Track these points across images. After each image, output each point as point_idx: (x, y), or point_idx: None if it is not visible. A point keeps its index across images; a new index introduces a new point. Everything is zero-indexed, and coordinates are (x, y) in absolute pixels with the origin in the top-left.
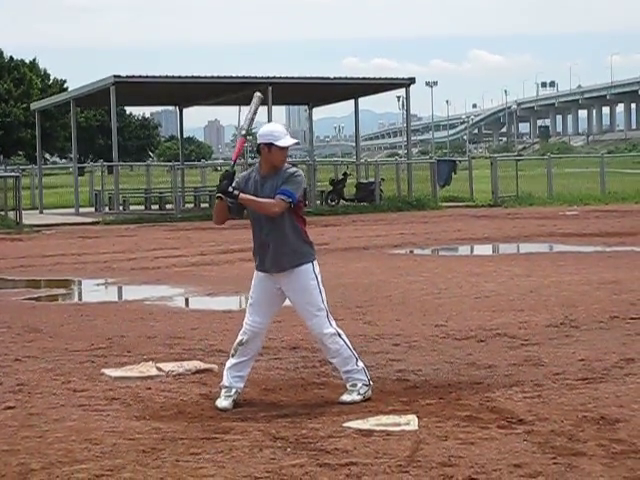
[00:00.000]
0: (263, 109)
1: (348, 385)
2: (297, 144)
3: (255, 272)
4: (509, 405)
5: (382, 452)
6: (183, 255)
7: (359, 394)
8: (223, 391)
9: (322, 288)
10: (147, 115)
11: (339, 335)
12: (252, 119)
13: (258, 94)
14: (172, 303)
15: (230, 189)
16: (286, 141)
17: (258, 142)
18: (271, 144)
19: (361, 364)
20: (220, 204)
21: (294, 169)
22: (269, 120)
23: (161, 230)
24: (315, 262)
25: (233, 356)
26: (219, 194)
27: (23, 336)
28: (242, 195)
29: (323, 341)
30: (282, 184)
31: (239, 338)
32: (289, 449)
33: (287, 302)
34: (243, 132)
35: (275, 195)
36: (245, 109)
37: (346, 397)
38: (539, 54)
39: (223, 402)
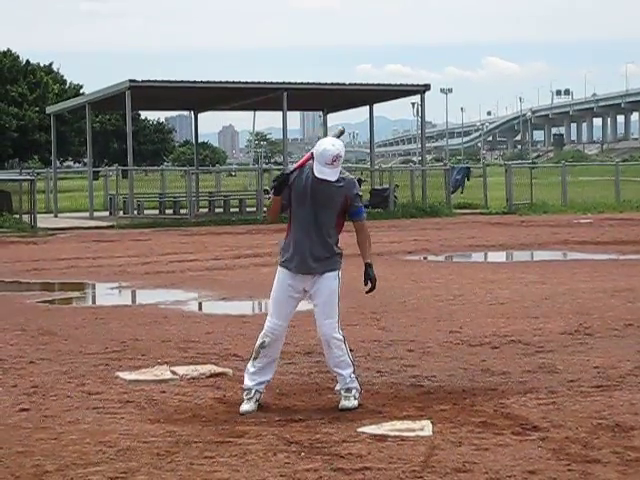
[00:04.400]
0: (278, 114)
1: (343, 391)
2: (324, 180)
3: (281, 270)
4: (523, 412)
5: (396, 457)
6: (197, 259)
7: (355, 399)
8: (245, 393)
9: (339, 295)
10: (162, 120)
11: (344, 342)
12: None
13: (340, 128)
14: (186, 307)
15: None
16: (320, 172)
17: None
18: (313, 158)
19: (355, 373)
20: (277, 201)
21: (351, 178)
22: (284, 125)
23: (175, 234)
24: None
25: (255, 359)
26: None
27: (37, 339)
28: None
29: (330, 344)
30: (350, 200)
31: (260, 341)
32: (303, 453)
33: (300, 306)
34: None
35: (352, 216)
36: (262, 114)
37: (347, 403)
38: (554, 62)
39: (245, 406)
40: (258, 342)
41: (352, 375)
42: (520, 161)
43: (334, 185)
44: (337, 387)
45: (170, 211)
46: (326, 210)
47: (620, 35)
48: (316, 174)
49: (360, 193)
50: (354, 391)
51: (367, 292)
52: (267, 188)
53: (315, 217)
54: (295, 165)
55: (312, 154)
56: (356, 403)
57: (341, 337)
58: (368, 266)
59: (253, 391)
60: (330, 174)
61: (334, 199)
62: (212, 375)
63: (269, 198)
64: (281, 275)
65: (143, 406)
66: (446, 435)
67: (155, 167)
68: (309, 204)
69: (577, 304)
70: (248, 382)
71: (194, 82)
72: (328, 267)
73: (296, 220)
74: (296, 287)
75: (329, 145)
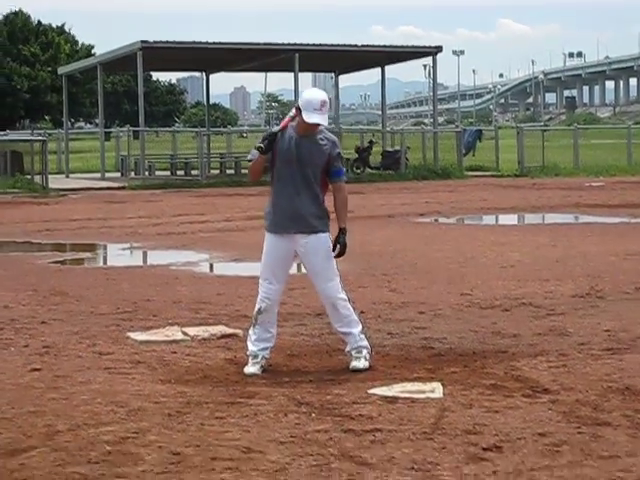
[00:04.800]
0: (290, 75)
1: (353, 352)
2: (317, 125)
3: (268, 236)
4: (534, 374)
5: (407, 419)
6: (208, 221)
7: (366, 359)
8: (250, 358)
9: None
10: (173, 81)
11: (349, 301)
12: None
13: None
14: (197, 268)
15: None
16: (310, 117)
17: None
18: (300, 110)
19: (364, 332)
20: (261, 161)
21: (334, 138)
22: (295, 87)
23: (186, 196)
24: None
25: (254, 326)
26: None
27: (49, 299)
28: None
29: (336, 305)
30: (332, 159)
31: (257, 307)
32: (314, 414)
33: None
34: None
35: (332, 177)
36: (274, 75)
37: (358, 363)
38: (567, 24)
39: (250, 368)
40: (255, 308)
41: (361, 334)
42: (532, 124)
43: (318, 143)
44: (347, 348)
45: (181, 172)
46: (312, 167)
47: None
48: (306, 120)
49: (342, 154)
50: (364, 351)
51: (335, 257)
52: (260, 145)
53: (302, 174)
54: (280, 126)
55: (294, 113)
56: (367, 364)
57: (345, 297)
58: (341, 231)
59: (260, 356)
60: (320, 119)
61: (318, 156)
62: (223, 336)
63: (250, 160)
64: (269, 239)
65: (154, 367)
66: (456, 397)
67: (166, 128)
68: (295, 162)
69: (588, 267)
70: (252, 347)
71: (206, 43)
72: (321, 227)
73: (281, 181)
74: (286, 248)
75: (315, 92)
